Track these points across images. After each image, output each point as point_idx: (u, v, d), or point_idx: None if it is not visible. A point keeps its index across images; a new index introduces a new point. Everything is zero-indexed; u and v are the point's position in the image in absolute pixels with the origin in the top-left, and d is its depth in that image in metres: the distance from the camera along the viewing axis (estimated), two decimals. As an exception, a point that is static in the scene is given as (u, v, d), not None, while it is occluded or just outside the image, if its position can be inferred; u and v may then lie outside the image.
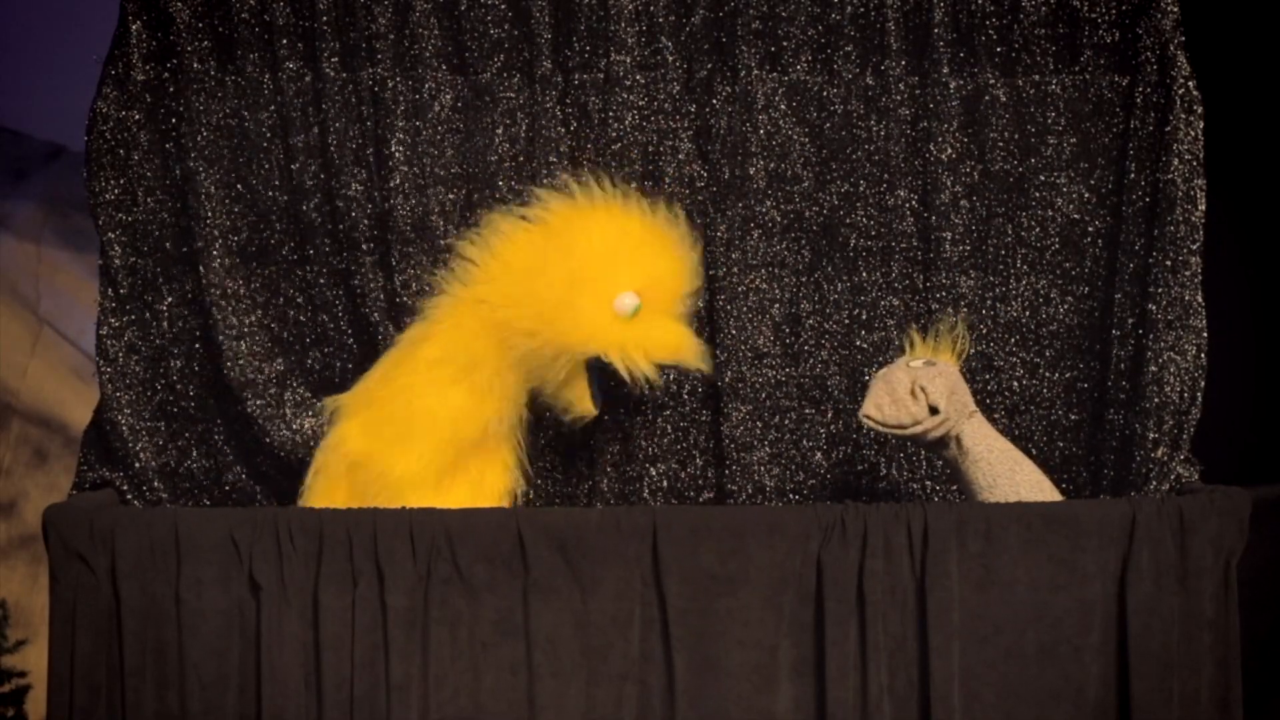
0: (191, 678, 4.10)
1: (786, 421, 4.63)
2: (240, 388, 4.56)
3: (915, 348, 4.40)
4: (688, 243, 4.44)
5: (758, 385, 4.62)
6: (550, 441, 4.63)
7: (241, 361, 4.58)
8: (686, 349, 4.37)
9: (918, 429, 4.28)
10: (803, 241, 4.64)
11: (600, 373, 4.40)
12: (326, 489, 4.39)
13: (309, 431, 4.55)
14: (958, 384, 4.31)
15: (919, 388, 4.26)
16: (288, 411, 4.59)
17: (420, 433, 4.34)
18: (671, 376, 4.55)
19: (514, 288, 4.34)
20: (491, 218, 4.44)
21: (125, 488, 4.55)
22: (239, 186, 4.61)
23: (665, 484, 4.62)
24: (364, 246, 4.58)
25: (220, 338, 4.56)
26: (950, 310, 4.57)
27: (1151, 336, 4.49)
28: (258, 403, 4.57)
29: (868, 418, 4.28)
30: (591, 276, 4.31)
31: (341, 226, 4.57)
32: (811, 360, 4.64)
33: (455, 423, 4.36)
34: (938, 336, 4.43)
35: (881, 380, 4.30)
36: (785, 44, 4.60)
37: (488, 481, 4.44)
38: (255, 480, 4.63)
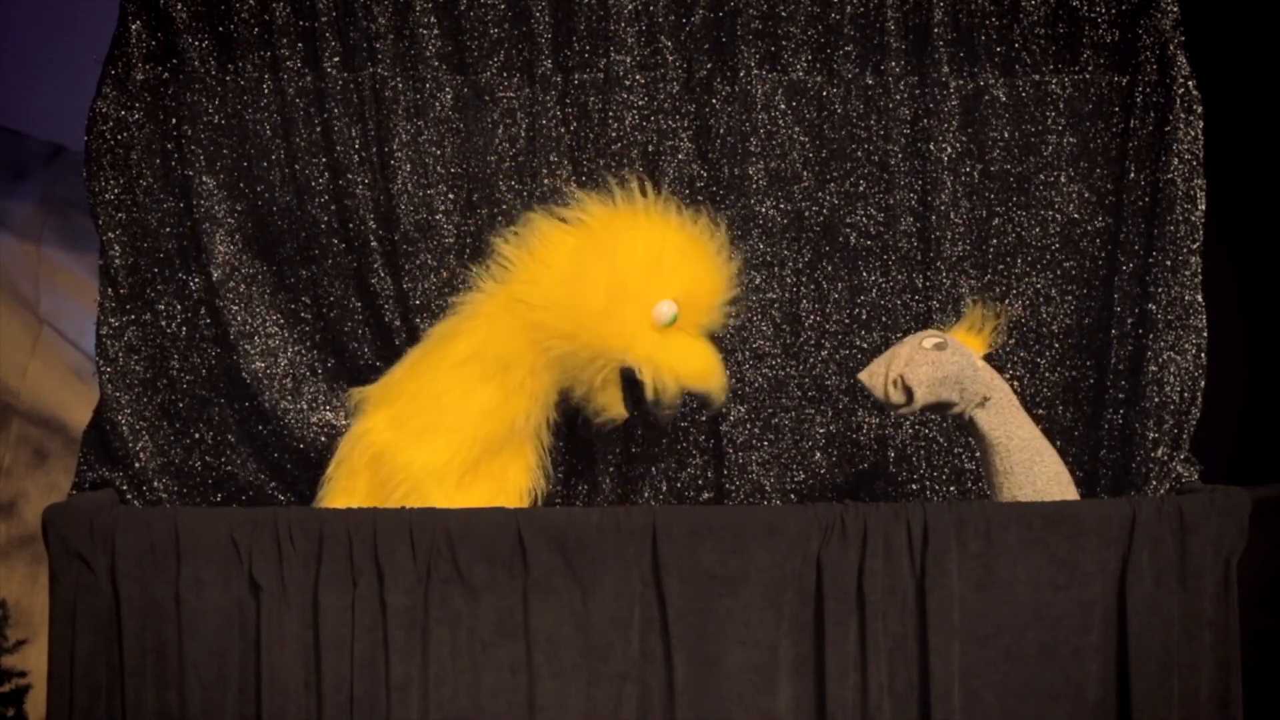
0: (191, 678, 4.10)
1: (786, 421, 4.63)
2: (253, 383, 4.56)
3: (947, 328, 4.38)
4: (724, 253, 4.44)
5: (758, 385, 4.62)
6: (550, 441, 4.63)
7: (252, 357, 4.58)
8: (714, 377, 4.37)
9: (900, 410, 4.27)
10: (803, 241, 4.64)
11: (628, 381, 4.39)
12: (348, 480, 4.39)
13: (322, 425, 4.56)
14: (967, 370, 4.25)
15: (898, 376, 4.23)
16: (304, 405, 4.59)
17: (447, 427, 4.34)
18: (689, 400, 4.56)
19: (555, 290, 4.32)
20: (529, 216, 4.44)
21: (125, 488, 4.55)
22: (240, 186, 4.60)
23: (665, 484, 4.62)
24: (371, 245, 4.57)
25: (231, 335, 4.56)
26: (959, 306, 4.57)
27: (1151, 336, 4.49)
28: (270, 397, 4.57)
29: (859, 381, 4.28)
30: (633, 284, 4.30)
31: (351, 226, 4.57)
32: (811, 360, 4.64)
33: (483, 419, 4.35)
34: (976, 320, 4.40)
35: (891, 351, 4.27)
36: (785, 44, 4.60)
37: (510, 479, 4.42)
38: (269, 474, 4.62)
